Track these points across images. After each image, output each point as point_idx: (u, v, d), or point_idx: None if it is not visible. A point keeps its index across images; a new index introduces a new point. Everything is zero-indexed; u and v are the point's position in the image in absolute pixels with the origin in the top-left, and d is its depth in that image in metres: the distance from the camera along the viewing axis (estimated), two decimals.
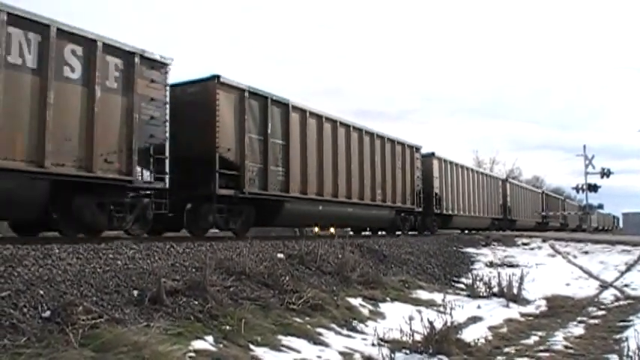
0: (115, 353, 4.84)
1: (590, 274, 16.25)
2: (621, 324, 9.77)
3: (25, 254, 6.72)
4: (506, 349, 7.86)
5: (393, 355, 6.60)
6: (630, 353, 6.42)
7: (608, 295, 13.23)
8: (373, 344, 7.30)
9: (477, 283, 12.65)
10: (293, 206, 14.69)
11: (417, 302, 10.50)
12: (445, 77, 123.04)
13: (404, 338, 7.37)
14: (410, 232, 22.36)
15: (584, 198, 48.33)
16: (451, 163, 25.63)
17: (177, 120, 11.54)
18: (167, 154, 11.08)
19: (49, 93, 9.03)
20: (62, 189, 9.47)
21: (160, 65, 11.12)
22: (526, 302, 11.99)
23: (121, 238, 10.28)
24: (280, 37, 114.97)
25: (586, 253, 20.41)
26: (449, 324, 7.32)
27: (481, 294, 12.12)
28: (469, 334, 8.12)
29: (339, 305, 8.65)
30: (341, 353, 6.79)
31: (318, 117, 15.94)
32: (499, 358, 7.44)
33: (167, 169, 11.04)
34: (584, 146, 45.46)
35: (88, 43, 9.77)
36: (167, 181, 11.03)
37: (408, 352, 7.07)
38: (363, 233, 21.53)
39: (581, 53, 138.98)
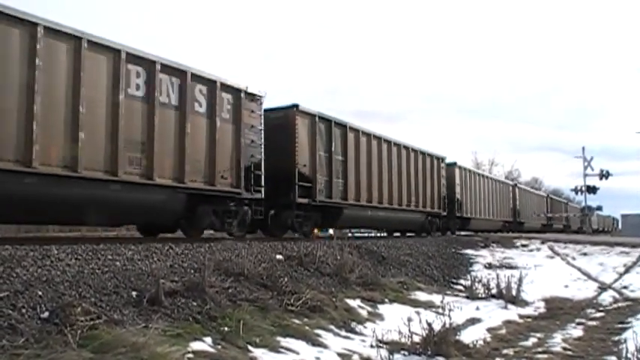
0: (114, 354, 4.84)
1: (589, 276, 16.26)
2: (620, 326, 9.78)
3: (23, 255, 6.71)
4: (505, 351, 7.86)
5: (391, 357, 6.60)
6: (629, 355, 6.43)
7: (606, 297, 13.25)
8: (372, 346, 7.31)
9: (476, 284, 12.66)
10: (350, 212, 17.51)
11: (415, 304, 10.51)
12: (444, 78, 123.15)
13: (402, 340, 7.38)
14: (436, 233, 24.84)
15: (583, 200, 48.39)
16: (470, 171, 28.51)
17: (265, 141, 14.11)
18: (262, 170, 13.62)
19: (186, 124, 11.52)
20: (192, 200, 11.74)
21: (257, 98, 13.72)
22: (525, 304, 12.00)
23: (120, 239, 10.30)
24: (279, 36, 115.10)
25: (585, 254, 20.42)
26: (447, 325, 7.32)
27: (480, 295, 12.13)
28: (468, 336, 8.12)
29: (338, 307, 8.65)
30: (339, 355, 6.79)
31: (368, 135, 18.73)
32: (498, 359, 7.45)
33: (263, 183, 13.57)
34: (583, 148, 45.52)
35: (210, 83, 12.26)
36: (263, 192, 13.58)
37: (406, 353, 7.08)
38: (367, 235, 23.33)
39: (580, 55, 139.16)
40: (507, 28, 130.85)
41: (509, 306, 11.41)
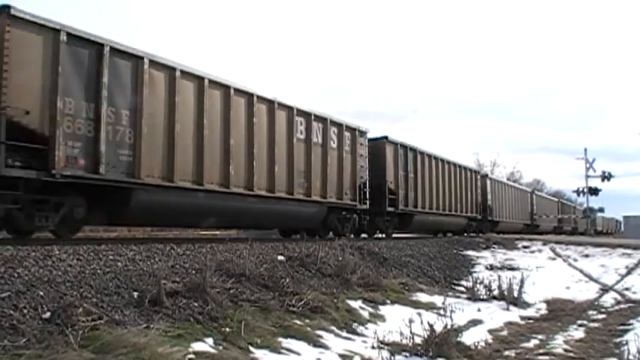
0: (115, 355, 4.85)
1: (591, 278, 16.25)
2: (622, 327, 9.78)
3: (25, 255, 6.71)
4: (507, 353, 7.86)
5: (392, 358, 6.60)
6: (630, 357, 6.43)
7: (608, 299, 13.24)
8: (373, 347, 7.30)
9: (478, 286, 12.64)
10: (420, 217, 22.29)
11: (417, 305, 10.50)
12: (446, 78, 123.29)
13: (404, 341, 7.37)
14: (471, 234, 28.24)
15: (585, 201, 48.36)
16: (498, 181, 32.00)
17: None
18: (368, 188, 17.98)
19: (327, 157, 16.06)
20: (328, 211, 16.27)
21: (364, 133, 18.19)
22: (526, 305, 12.00)
23: (121, 239, 10.29)
24: (284, 37, 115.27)
25: (586, 256, 20.41)
26: (449, 327, 7.31)
27: (481, 297, 12.12)
28: (469, 337, 8.12)
29: (339, 308, 8.66)
30: (341, 356, 6.79)
31: (429, 156, 23.34)
32: None
33: (368, 197, 17.95)
34: (585, 149, 45.53)
35: (339, 126, 16.81)
36: (368, 204, 18.04)
37: (408, 354, 7.07)
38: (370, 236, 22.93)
39: (581, 55, 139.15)
40: (509, 29, 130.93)
41: (511, 307, 11.40)
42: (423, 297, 11.37)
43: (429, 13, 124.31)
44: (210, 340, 6.00)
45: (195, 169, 11.56)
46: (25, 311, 5.22)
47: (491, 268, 17.45)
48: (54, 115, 8.94)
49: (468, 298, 12.09)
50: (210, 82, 11.96)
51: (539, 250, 22.14)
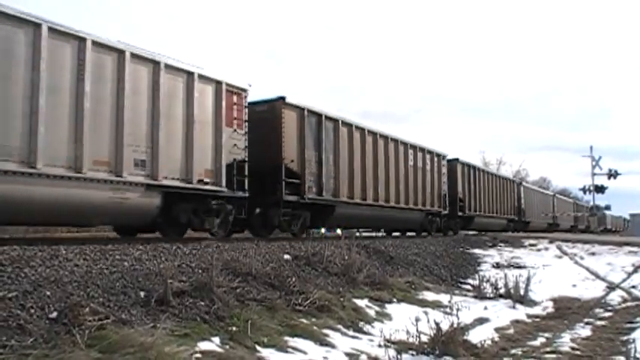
0: (122, 354, 4.86)
1: (597, 276, 16.19)
2: (628, 325, 9.74)
3: (32, 255, 6.73)
4: (513, 351, 7.84)
5: (399, 357, 6.58)
6: (637, 355, 6.42)
7: (615, 297, 13.19)
8: (380, 345, 7.29)
9: (484, 284, 12.63)
10: (478, 219, 27.61)
11: (423, 303, 10.49)
12: (451, 78, 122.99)
13: (410, 339, 7.36)
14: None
15: (592, 199, 48.28)
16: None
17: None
18: (448, 198, 24.63)
19: (425, 177, 22.45)
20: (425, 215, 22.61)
21: (445, 157, 24.64)
22: (533, 303, 11.96)
23: (127, 239, 10.32)
24: (289, 37, 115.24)
25: (593, 254, 20.32)
26: (455, 325, 7.30)
27: (488, 295, 12.10)
28: (476, 336, 8.11)
29: (346, 306, 8.65)
30: (347, 354, 6.79)
31: (483, 171, 29.08)
32: (506, 359, 7.43)
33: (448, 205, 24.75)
34: (591, 147, 45.22)
35: (429, 153, 22.88)
36: (448, 210, 24.01)
37: (414, 353, 7.06)
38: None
39: (587, 54, 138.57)
40: (515, 28, 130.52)
41: (518, 306, 11.38)
42: (429, 295, 11.36)
43: (433, 13, 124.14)
44: (216, 340, 6.01)
45: (361, 191, 17.65)
46: (32, 311, 5.24)
47: (497, 266, 17.43)
48: (303, 161, 14.89)
49: (475, 297, 12.08)
50: (369, 131, 18.38)
51: (546, 248, 22.05)
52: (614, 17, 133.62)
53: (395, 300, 10.19)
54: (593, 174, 44.69)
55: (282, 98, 14.52)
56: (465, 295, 12.20)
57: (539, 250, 21.92)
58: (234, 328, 6.41)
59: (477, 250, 20.18)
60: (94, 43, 9.79)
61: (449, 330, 7.18)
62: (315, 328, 7.37)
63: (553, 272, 16.39)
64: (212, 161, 12.13)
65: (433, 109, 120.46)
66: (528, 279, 12.32)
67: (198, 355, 5.44)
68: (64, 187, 9.30)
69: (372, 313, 9.03)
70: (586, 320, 10.45)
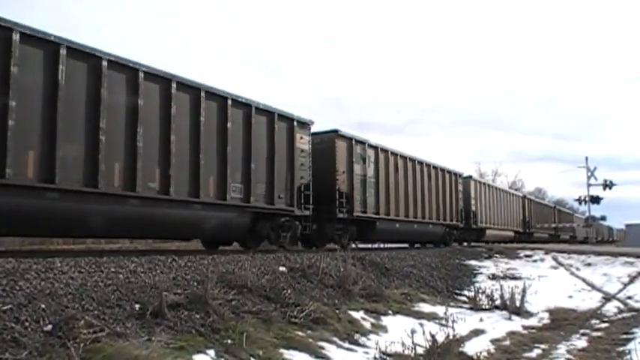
0: None
1: (593, 287, 16.21)
2: (625, 336, 9.74)
3: (27, 268, 6.72)
4: None
5: None
6: None
7: (611, 308, 13.19)
8: (375, 358, 7.29)
9: (480, 295, 12.63)
10: (489, 232, 29.61)
11: (419, 315, 10.47)
12: (445, 89, 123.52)
13: (406, 351, 7.36)
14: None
15: (587, 210, 48.29)
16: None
17: None
18: (463, 212, 27.03)
19: (445, 195, 24.37)
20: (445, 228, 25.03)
21: (461, 175, 26.49)
22: (529, 315, 11.97)
23: (123, 252, 10.32)
24: (284, 49, 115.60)
25: (589, 265, 20.35)
26: (451, 337, 7.31)
27: (483, 307, 12.09)
28: (471, 347, 8.11)
29: (341, 319, 8.64)
30: None
31: (489, 186, 30.60)
32: None
33: (463, 218, 27.05)
34: (587, 158, 45.14)
35: (448, 172, 25.02)
36: (463, 224, 26.85)
37: None
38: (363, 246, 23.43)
39: (581, 64, 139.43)
40: (509, 39, 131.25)
41: (513, 317, 11.37)
42: (425, 307, 11.35)
43: (429, 24, 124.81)
44: (211, 352, 5.99)
45: (395, 208, 19.65)
46: (27, 324, 5.22)
47: (493, 277, 17.41)
48: (352, 183, 17.03)
49: (470, 308, 12.07)
50: (401, 156, 20.56)
51: (542, 259, 22.08)
52: (608, 29, 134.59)
53: (390, 312, 10.17)
54: (589, 184, 44.76)
55: (336, 131, 16.99)
56: (461, 307, 12.19)
57: (534, 261, 21.96)
58: (229, 341, 6.40)
59: (472, 262, 20.18)
60: (207, 93, 11.85)
61: (444, 342, 7.19)
62: (310, 340, 7.35)
63: (549, 283, 16.40)
64: (286, 186, 14.38)
65: (428, 121, 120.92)
66: (524, 290, 12.33)
67: None
68: (185, 209, 11.40)
69: (367, 325, 9.01)
70: (582, 331, 10.45)
